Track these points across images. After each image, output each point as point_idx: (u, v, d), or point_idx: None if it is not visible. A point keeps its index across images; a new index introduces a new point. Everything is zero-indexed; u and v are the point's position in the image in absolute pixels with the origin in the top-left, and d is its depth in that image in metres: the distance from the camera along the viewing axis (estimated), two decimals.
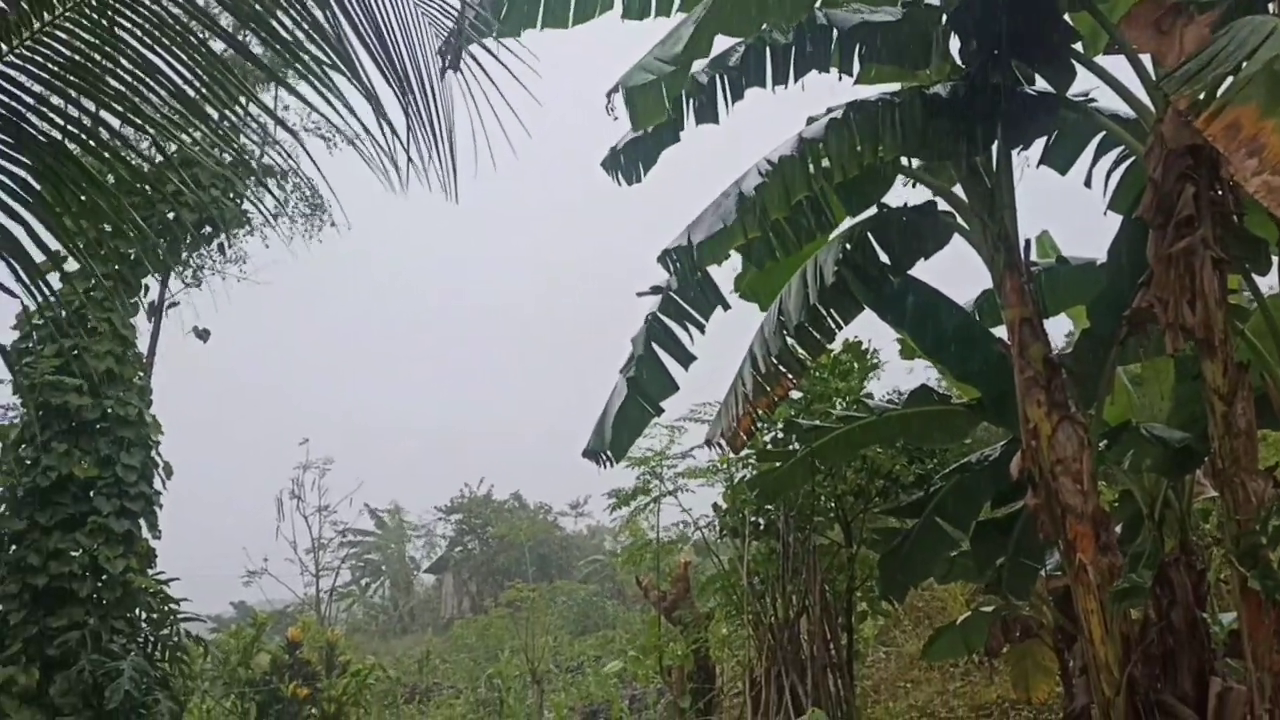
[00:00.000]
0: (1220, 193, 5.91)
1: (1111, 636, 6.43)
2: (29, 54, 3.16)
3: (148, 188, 3.98)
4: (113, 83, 3.27)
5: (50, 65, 3.20)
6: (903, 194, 7.98)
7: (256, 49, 3.40)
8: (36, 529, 10.95)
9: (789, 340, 7.97)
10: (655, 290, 8.10)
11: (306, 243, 18.54)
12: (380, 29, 3.10)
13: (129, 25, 3.17)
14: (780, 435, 11.51)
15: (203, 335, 17.42)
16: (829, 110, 6.89)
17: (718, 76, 7.22)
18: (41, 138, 3.26)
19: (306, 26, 3.11)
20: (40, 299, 3.48)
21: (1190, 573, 7.23)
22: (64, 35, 3.16)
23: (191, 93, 3.28)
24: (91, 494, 11.31)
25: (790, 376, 8.16)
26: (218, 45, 3.35)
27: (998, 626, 9.99)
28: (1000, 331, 7.45)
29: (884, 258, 7.80)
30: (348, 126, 3.15)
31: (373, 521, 45.43)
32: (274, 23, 3.12)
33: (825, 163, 6.71)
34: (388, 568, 46.80)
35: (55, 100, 3.29)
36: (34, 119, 3.25)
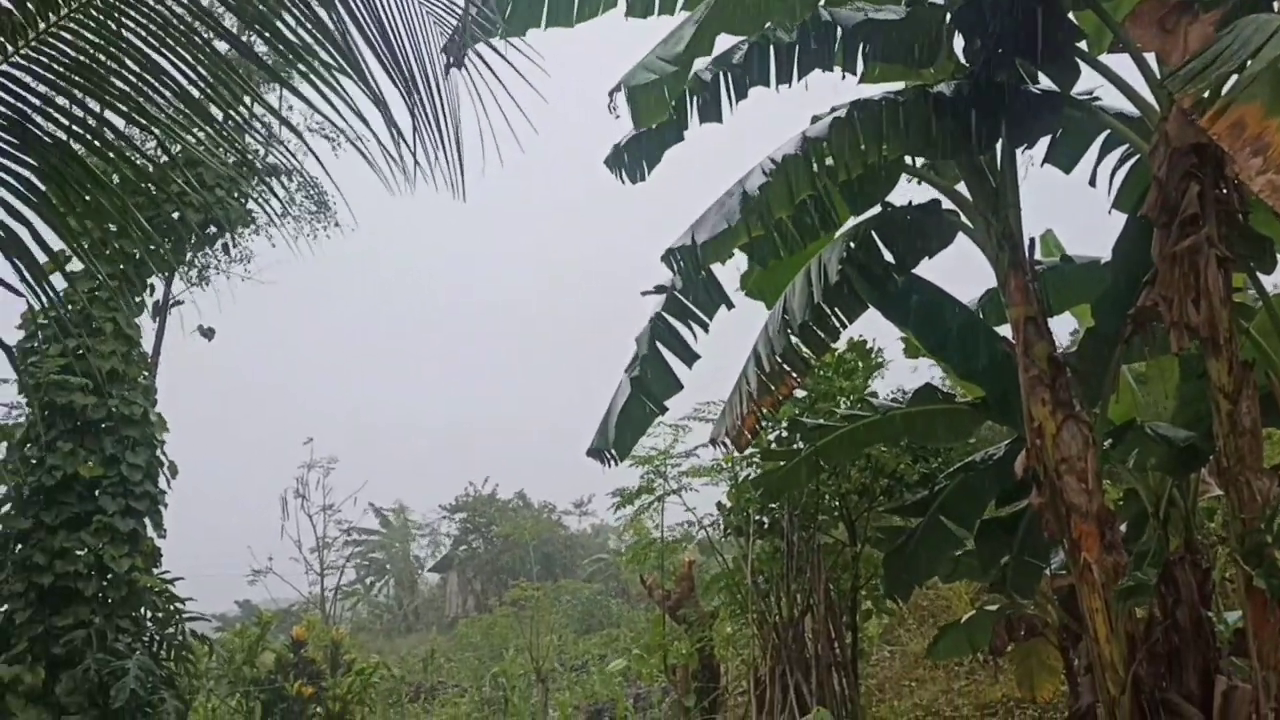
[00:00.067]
0: (1225, 191, 5.90)
1: (1116, 635, 6.42)
2: (34, 54, 3.17)
3: (152, 188, 3.98)
4: (118, 83, 3.27)
5: (55, 66, 3.21)
6: (908, 192, 7.98)
7: (261, 49, 3.40)
8: (42, 528, 10.98)
9: (793, 339, 7.97)
10: (660, 289, 8.11)
11: (312, 242, 18.59)
12: (385, 29, 3.11)
13: (134, 26, 3.17)
14: (784, 434, 11.51)
15: (207, 334, 17.47)
16: (833, 109, 6.89)
17: (721, 74, 7.21)
18: (47, 138, 3.27)
19: (311, 27, 3.12)
20: (45, 299, 3.49)
21: (1195, 571, 7.22)
22: (69, 36, 3.17)
23: (196, 93, 3.29)
24: (97, 493, 11.33)
25: (794, 375, 8.16)
26: (223, 45, 3.36)
27: (1002, 625, 10.00)
28: (1005, 330, 7.45)
29: (888, 256, 7.79)
30: (353, 127, 3.16)
31: (378, 520, 45.52)
32: (279, 24, 3.13)
33: (829, 161, 6.70)
34: (392, 566, 46.87)
35: (60, 101, 3.29)
36: (39, 119, 3.26)
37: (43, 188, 3.29)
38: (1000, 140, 7.10)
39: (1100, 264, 7.93)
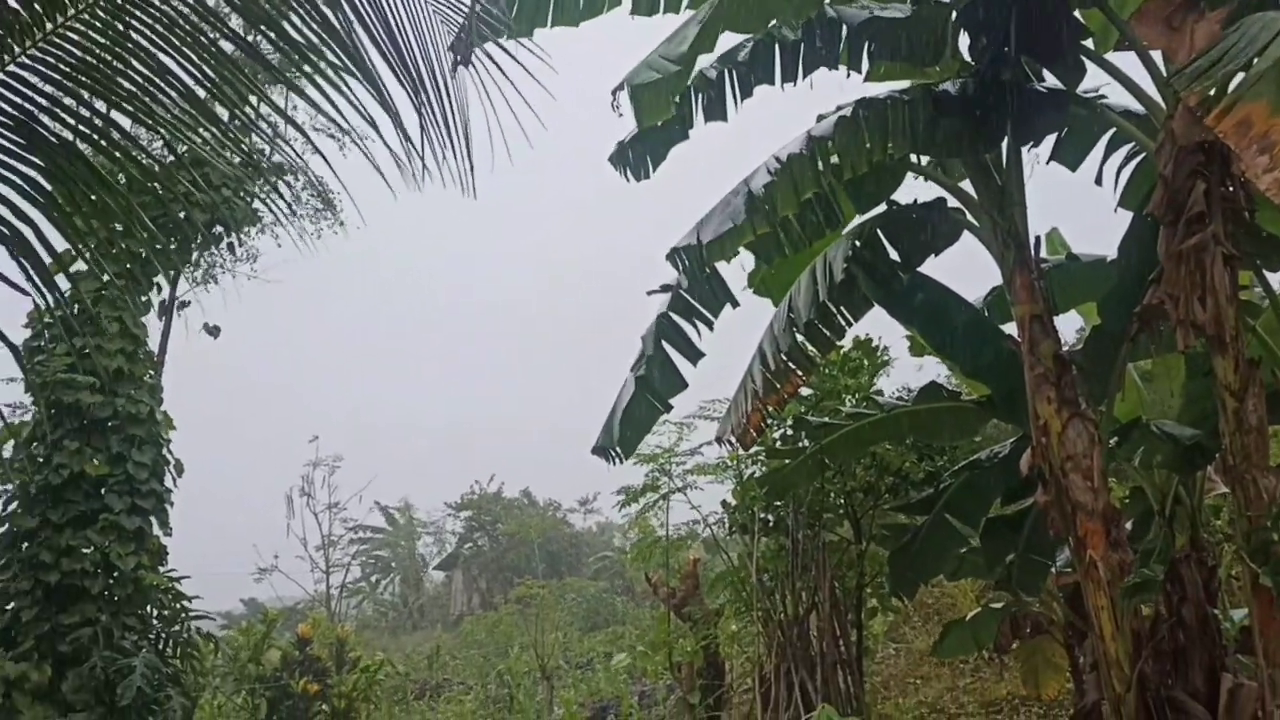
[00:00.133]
0: (1231, 189, 5.89)
1: (1122, 633, 6.42)
2: (41, 55, 3.18)
3: (159, 187, 3.99)
4: (124, 83, 3.28)
5: (62, 66, 3.22)
6: (913, 190, 7.97)
7: (267, 50, 3.41)
8: (48, 526, 11.00)
9: (799, 337, 7.96)
10: (665, 288, 8.11)
11: (316, 241, 18.62)
12: (391, 28, 3.11)
13: (140, 27, 3.18)
14: (790, 432, 11.52)
15: (213, 331, 17.52)
16: (839, 108, 6.88)
17: (726, 72, 7.21)
18: (53, 138, 3.28)
19: (317, 26, 3.12)
20: (52, 298, 3.50)
21: (1201, 569, 7.21)
22: (76, 36, 3.18)
23: (202, 93, 3.30)
24: (103, 491, 11.36)
25: (800, 373, 8.15)
26: (229, 46, 3.36)
27: (1008, 623, 10.00)
28: (1010, 328, 7.44)
29: (894, 255, 7.78)
30: (360, 126, 3.17)
31: (383, 518, 45.58)
32: (285, 24, 3.13)
33: (834, 160, 6.69)
34: (398, 564, 46.93)
35: (67, 101, 3.30)
36: (46, 120, 3.27)
37: (49, 187, 3.30)
38: (1006, 138, 7.09)
39: (1106, 262, 7.92)
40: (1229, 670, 6.90)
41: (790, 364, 8.03)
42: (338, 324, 61.67)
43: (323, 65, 3.16)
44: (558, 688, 18.39)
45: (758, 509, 12.18)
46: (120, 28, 3.22)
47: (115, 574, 11.21)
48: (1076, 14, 6.95)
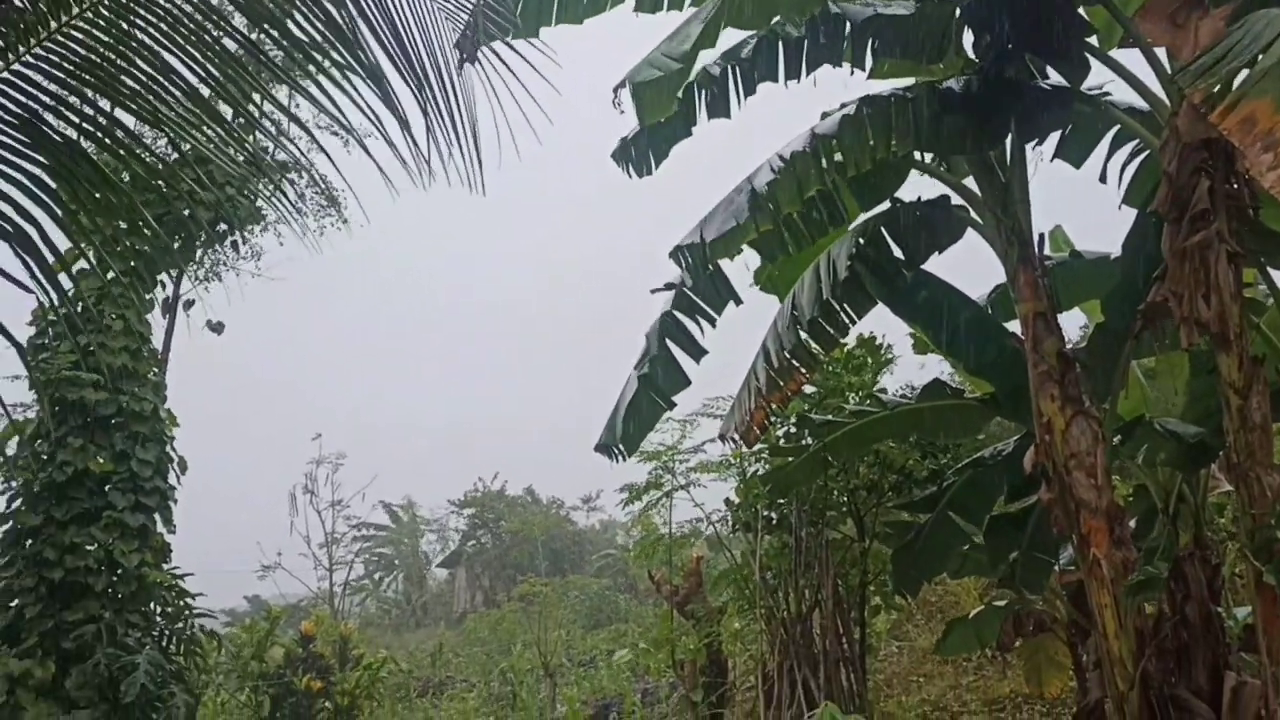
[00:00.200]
0: (1235, 186, 5.88)
1: (1125, 631, 6.41)
2: (46, 53, 3.19)
3: (162, 185, 4.00)
4: (128, 82, 3.29)
5: (66, 65, 3.22)
6: (917, 187, 7.96)
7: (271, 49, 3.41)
8: (52, 523, 11.03)
9: (802, 335, 7.96)
10: (669, 286, 8.11)
11: (319, 239, 18.61)
12: (396, 25, 3.11)
13: (144, 25, 3.19)
14: (793, 430, 11.52)
15: (216, 328, 17.53)
16: (842, 105, 6.88)
17: (730, 69, 7.20)
18: (58, 137, 3.29)
19: (321, 25, 3.12)
20: (56, 296, 3.50)
21: (1205, 567, 7.21)
22: (80, 35, 3.19)
23: (206, 91, 3.30)
24: (107, 489, 11.38)
25: (803, 371, 8.15)
26: (232, 44, 3.37)
27: (1011, 621, 9.98)
28: (1014, 326, 7.44)
29: (897, 252, 7.78)
30: (366, 125, 3.17)
31: (386, 516, 45.62)
32: (289, 22, 3.13)
33: (838, 158, 6.69)
34: (401, 562, 46.98)
35: (72, 99, 3.31)
36: (50, 118, 3.27)
37: (54, 185, 3.31)
38: (1010, 136, 7.08)
39: (1110, 259, 7.91)
40: (1232, 668, 6.90)
41: (794, 361, 8.03)
42: (340, 322, 61.79)
43: (326, 64, 3.16)
44: (560, 685, 18.40)
45: (761, 507, 12.17)
46: (124, 26, 3.23)
47: (119, 571, 11.24)
48: (1080, 11, 6.94)
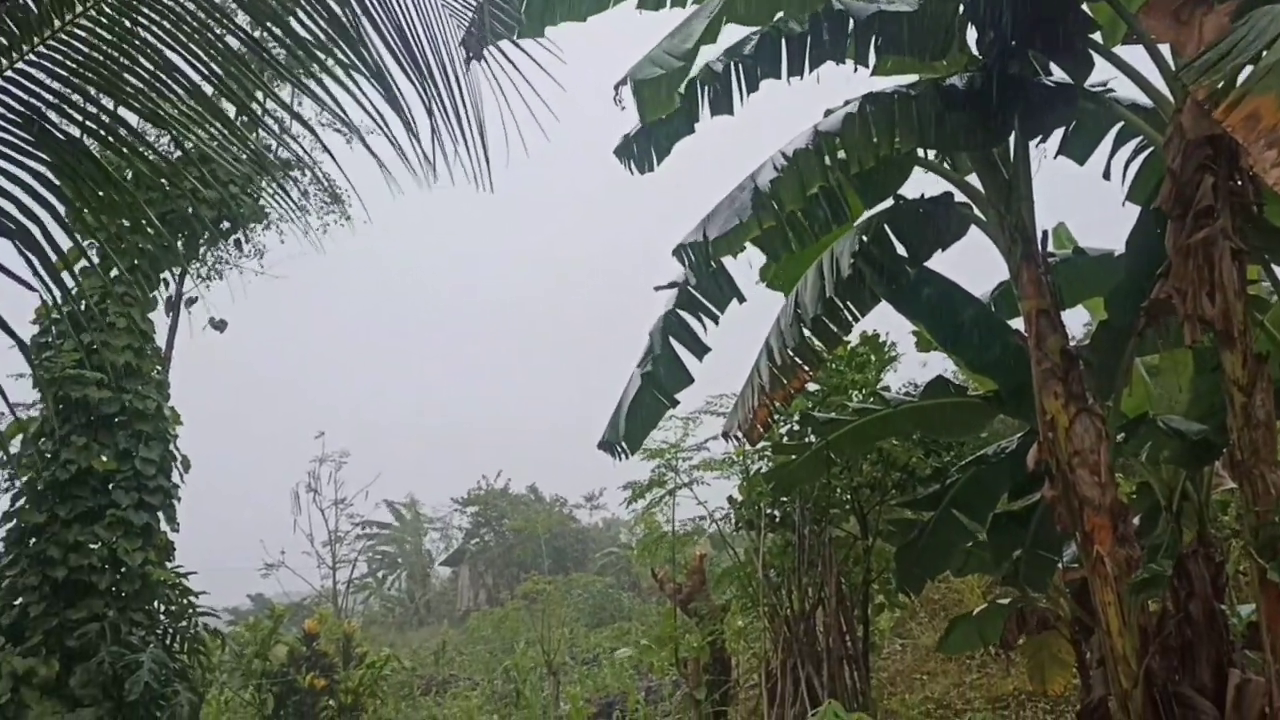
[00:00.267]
0: (1239, 183, 5.87)
1: (1129, 628, 6.40)
2: (49, 52, 3.19)
3: (166, 183, 4.00)
4: (131, 80, 3.29)
5: (69, 63, 3.22)
6: (920, 184, 7.95)
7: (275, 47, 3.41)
8: (56, 522, 11.04)
9: (805, 332, 7.95)
10: (673, 285, 8.10)
11: (322, 237, 18.60)
12: (400, 24, 3.11)
13: (147, 24, 3.19)
14: (796, 428, 11.52)
15: (219, 326, 17.51)
16: (846, 103, 6.87)
17: (733, 65, 7.18)
18: (61, 135, 3.29)
19: (324, 23, 3.12)
20: (60, 294, 3.51)
21: (1209, 565, 7.19)
22: (83, 33, 3.19)
23: (209, 90, 3.30)
24: (110, 487, 11.40)
25: (807, 369, 8.14)
26: (235, 42, 3.37)
27: (1014, 618, 9.98)
28: (1017, 323, 7.42)
29: (900, 249, 7.77)
30: (367, 122, 3.17)
31: (390, 514, 45.65)
32: (292, 21, 3.13)
33: (841, 155, 6.68)
34: (404, 560, 46.99)
35: (75, 98, 3.31)
36: (54, 116, 3.28)
37: (57, 183, 3.31)
38: (1013, 133, 7.07)
39: (1113, 256, 7.90)
40: (1236, 666, 6.89)
41: (797, 359, 8.03)
42: (343, 320, 61.67)
43: (330, 62, 3.16)
44: (564, 683, 18.42)
45: (764, 504, 12.18)
46: (127, 25, 3.23)
47: (123, 569, 11.26)
48: (1084, 7, 6.92)
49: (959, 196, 7.70)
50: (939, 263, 7.87)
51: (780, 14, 6.97)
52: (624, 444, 8.42)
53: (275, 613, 17.52)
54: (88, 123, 3.34)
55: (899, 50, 7.36)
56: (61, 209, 3.33)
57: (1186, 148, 5.85)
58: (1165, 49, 6.29)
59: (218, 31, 3.30)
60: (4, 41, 3.12)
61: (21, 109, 3.18)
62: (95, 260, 9.71)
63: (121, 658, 10.78)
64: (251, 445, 47.58)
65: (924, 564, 9.25)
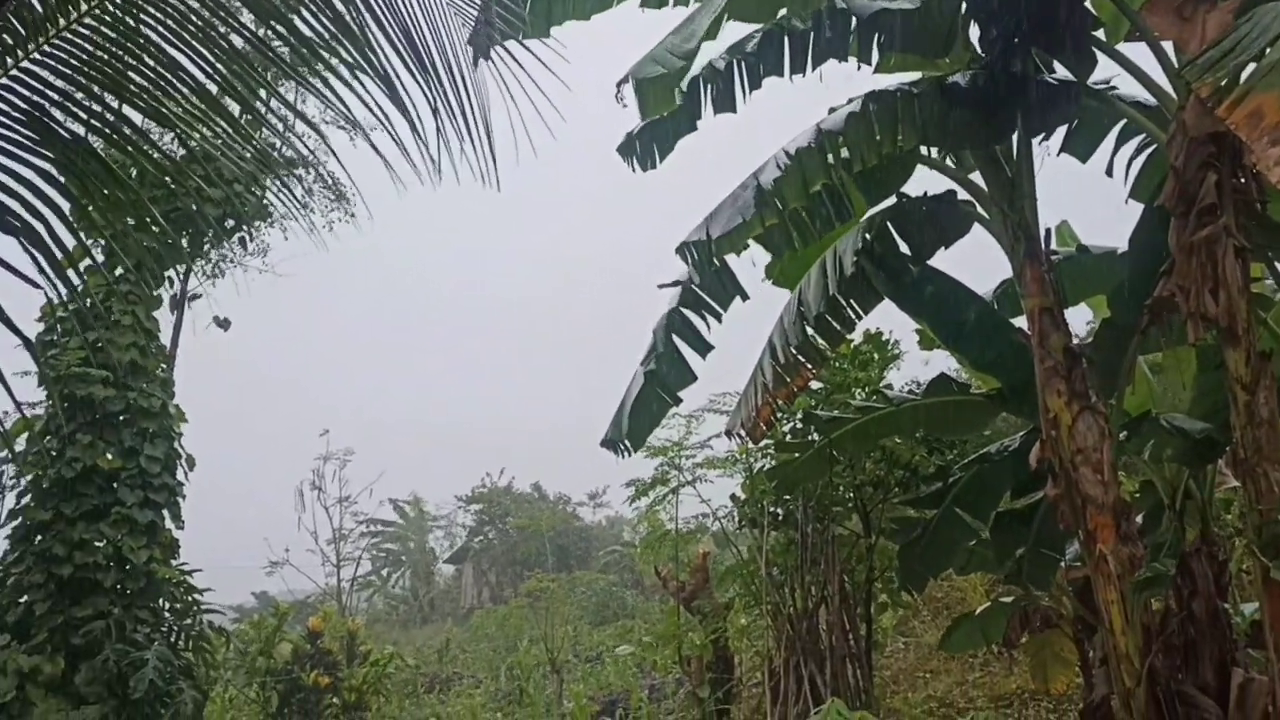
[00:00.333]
0: (1243, 180, 5.86)
1: (1132, 627, 6.40)
2: (54, 50, 3.20)
3: (170, 182, 4.01)
4: (136, 79, 3.30)
5: (74, 62, 3.24)
6: (923, 182, 7.95)
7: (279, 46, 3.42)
8: (61, 520, 11.06)
9: (809, 330, 7.96)
10: (677, 283, 8.11)
11: (326, 235, 18.64)
12: (405, 23, 3.12)
13: (152, 22, 3.20)
14: (799, 426, 11.52)
15: (223, 324, 17.57)
16: (849, 101, 6.87)
17: (735, 63, 7.18)
18: (66, 133, 3.30)
19: (328, 22, 3.13)
20: (65, 292, 3.52)
21: (1212, 563, 7.19)
22: (88, 32, 3.20)
23: (213, 88, 3.32)
24: (115, 485, 11.41)
25: (810, 367, 8.15)
26: (239, 40, 3.38)
27: (1017, 617, 9.97)
28: (1020, 321, 7.42)
29: (904, 247, 7.77)
30: (371, 120, 3.18)
31: (394, 512, 45.70)
32: (296, 20, 3.14)
33: (844, 153, 6.68)
34: (408, 558, 47.03)
35: (79, 96, 3.32)
36: (59, 114, 3.29)
37: (62, 181, 3.32)
38: (1016, 130, 7.07)
39: (1117, 254, 7.90)
40: (1239, 664, 6.89)
41: (800, 357, 8.03)
42: (346, 318, 61.83)
43: (335, 61, 3.17)
44: (567, 681, 18.43)
45: (767, 503, 12.19)
46: (132, 23, 3.24)
47: (127, 567, 11.28)
48: (1087, 4, 6.92)
49: (962, 194, 7.70)
50: (942, 261, 7.88)
51: (783, 11, 6.98)
52: (627, 442, 8.43)
53: (279, 610, 17.54)
54: (92, 121, 3.35)
55: (902, 48, 7.36)
56: (66, 207, 3.34)
57: (1190, 145, 5.85)
58: (1168, 46, 6.29)
59: (222, 30, 3.31)
60: (9, 40, 3.13)
61: (26, 107, 3.20)
62: (100, 258, 9.73)
63: (126, 655, 10.80)
64: (256, 443, 47.70)
65: (927, 562, 9.25)
